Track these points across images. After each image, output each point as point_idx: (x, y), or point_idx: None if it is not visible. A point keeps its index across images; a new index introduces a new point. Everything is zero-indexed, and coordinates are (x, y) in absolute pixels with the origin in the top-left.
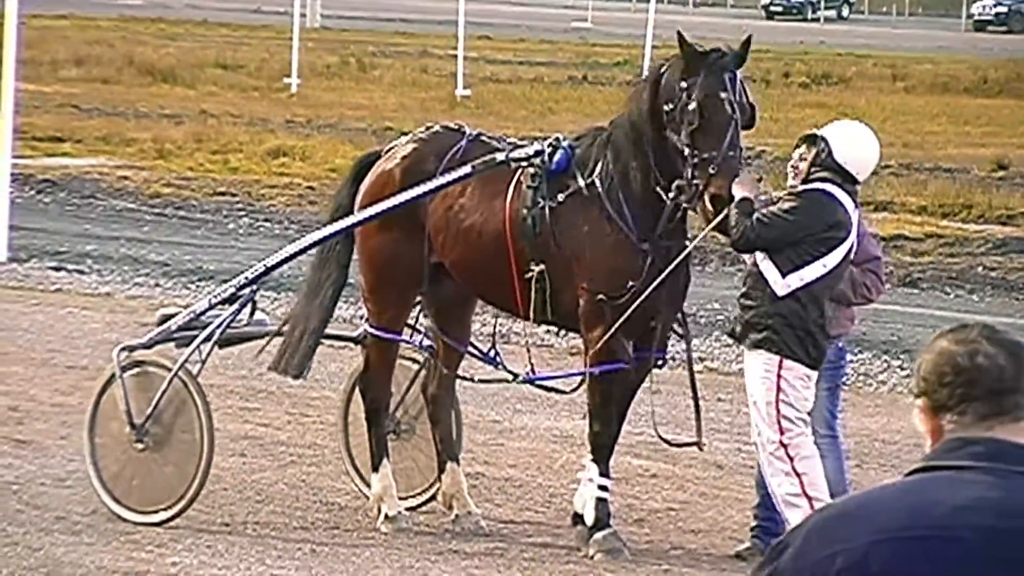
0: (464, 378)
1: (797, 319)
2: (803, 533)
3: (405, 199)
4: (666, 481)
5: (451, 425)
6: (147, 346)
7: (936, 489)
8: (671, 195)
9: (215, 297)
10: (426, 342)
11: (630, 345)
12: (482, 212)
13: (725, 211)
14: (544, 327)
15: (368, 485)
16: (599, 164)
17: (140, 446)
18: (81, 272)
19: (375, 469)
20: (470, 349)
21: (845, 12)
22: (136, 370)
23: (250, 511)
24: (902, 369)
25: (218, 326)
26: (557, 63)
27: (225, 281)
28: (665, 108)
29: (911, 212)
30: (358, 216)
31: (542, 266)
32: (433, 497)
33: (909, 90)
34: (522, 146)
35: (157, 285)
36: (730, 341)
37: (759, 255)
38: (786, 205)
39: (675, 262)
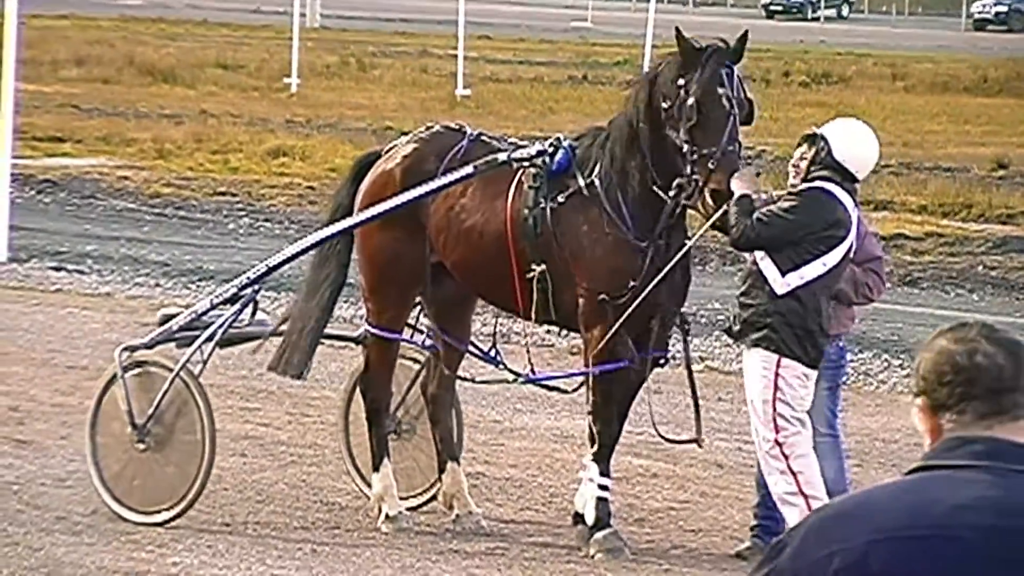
0: (465, 379)
1: (796, 318)
2: (801, 533)
3: (407, 199)
4: (667, 481)
5: (451, 425)
6: (149, 346)
7: (935, 488)
8: (672, 193)
9: (217, 297)
10: (428, 342)
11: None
12: (483, 212)
13: (724, 207)
14: (544, 327)
15: (369, 485)
16: (598, 164)
17: (142, 446)
18: (81, 272)
19: (376, 469)
20: (471, 349)
21: (845, 11)
22: (138, 370)
23: (251, 511)
24: (902, 368)
25: (220, 326)
26: (557, 63)
27: (225, 281)
28: (663, 106)
29: (911, 211)
30: (360, 216)
31: (543, 266)
32: (434, 497)
33: (909, 89)
34: (523, 146)
35: (157, 285)
36: (730, 340)
37: (759, 254)
38: (786, 204)
39: (674, 260)
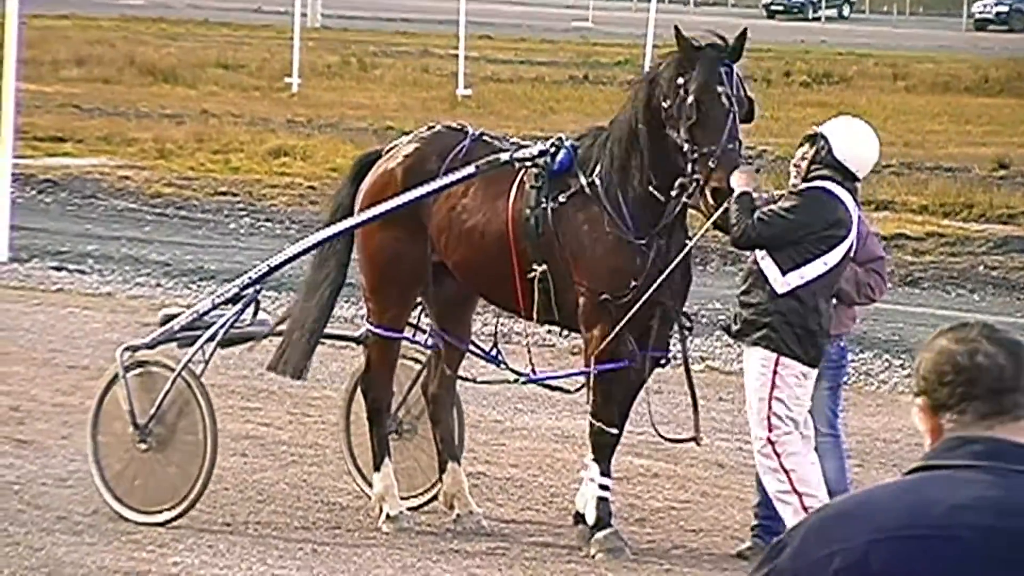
0: (466, 379)
1: (797, 317)
2: (801, 533)
3: (409, 199)
4: (667, 480)
5: (452, 425)
6: (150, 346)
7: (935, 488)
8: (674, 193)
9: (218, 297)
10: (429, 341)
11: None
12: (485, 212)
13: (724, 205)
14: (545, 327)
15: (370, 485)
16: (599, 163)
17: (143, 446)
18: (82, 272)
19: (377, 468)
20: (473, 349)
21: (846, 11)
22: (139, 370)
23: (251, 511)
24: (903, 368)
25: (221, 326)
26: (558, 62)
27: (226, 281)
28: (663, 105)
29: (912, 211)
30: (362, 216)
31: (544, 266)
32: (435, 497)
33: (910, 89)
34: (525, 146)
35: (158, 285)
36: (731, 340)
37: (759, 253)
38: (786, 203)
39: (676, 260)
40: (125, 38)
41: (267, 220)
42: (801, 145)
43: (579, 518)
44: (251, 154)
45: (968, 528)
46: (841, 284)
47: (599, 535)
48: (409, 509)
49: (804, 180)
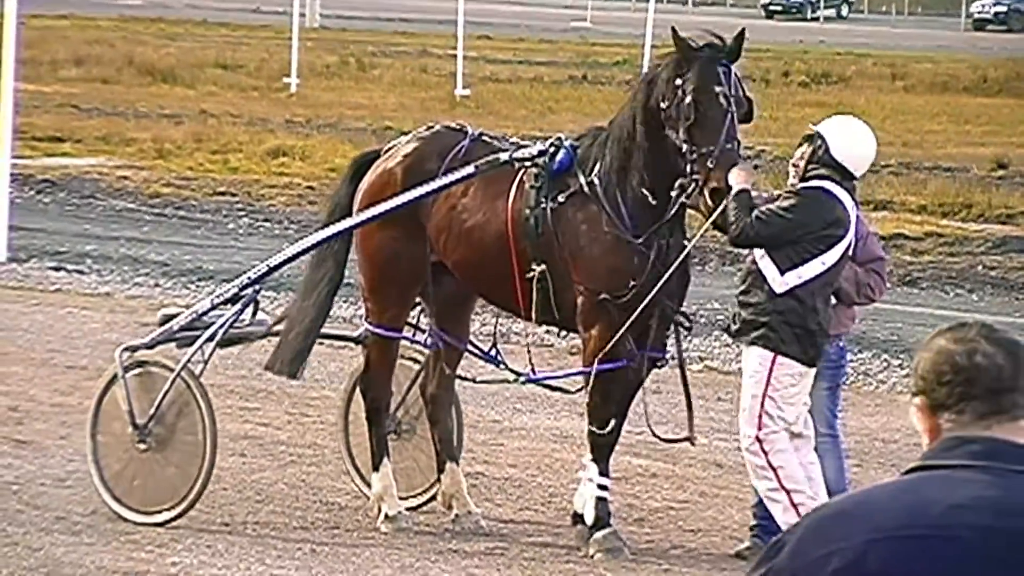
0: (465, 378)
1: (795, 317)
2: (799, 532)
3: (408, 199)
4: (666, 480)
5: (450, 425)
6: (149, 346)
7: (933, 488)
8: (674, 194)
9: (217, 297)
10: (428, 341)
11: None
12: (485, 212)
13: (723, 204)
14: (544, 327)
15: (368, 485)
16: (598, 163)
17: (143, 446)
18: (81, 272)
19: (376, 468)
20: (472, 349)
21: (844, 11)
22: (139, 370)
23: (250, 511)
24: (902, 368)
25: (221, 326)
26: (557, 63)
27: (225, 281)
28: (662, 106)
29: (911, 211)
30: (362, 216)
31: (543, 266)
32: (433, 497)
33: (909, 89)
34: (525, 146)
35: (157, 285)
36: (730, 340)
37: (758, 252)
38: (785, 203)
39: (676, 261)
40: (124, 38)
41: (266, 220)
42: (800, 145)
43: (577, 518)
44: (250, 154)
45: (967, 528)
46: (841, 284)
47: (598, 535)
48: (408, 509)
49: (802, 180)
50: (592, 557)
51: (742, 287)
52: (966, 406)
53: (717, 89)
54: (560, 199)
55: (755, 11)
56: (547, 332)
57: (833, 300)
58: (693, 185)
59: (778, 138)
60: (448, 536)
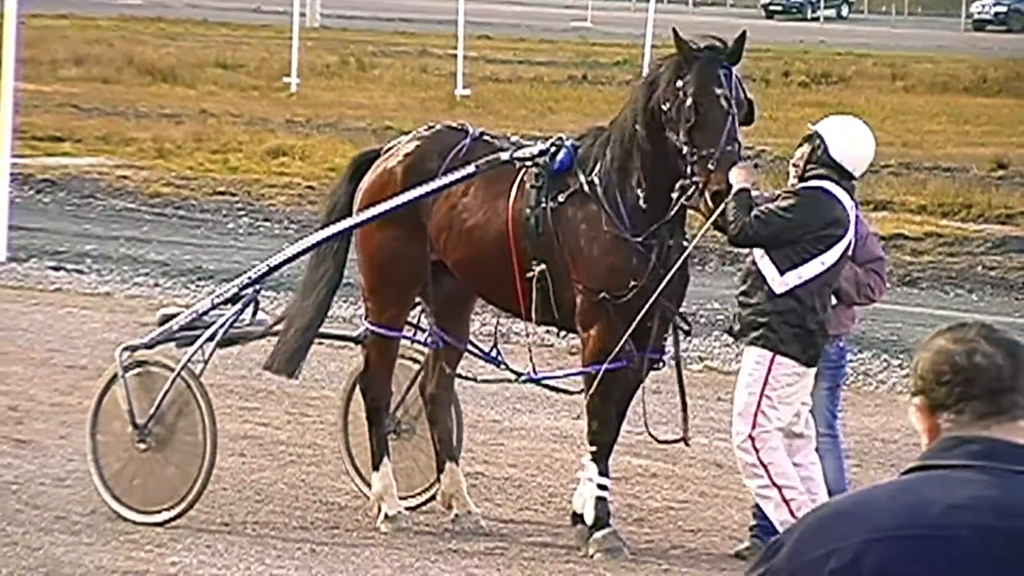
0: (466, 377)
1: (795, 317)
2: (798, 532)
3: (409, 198)
4: (666, 480)
5: (450, 425)
6: (149, 346)
7: (932, 488)
8: (674, 195)
9: (217, 297)
10: (429, 340)
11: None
12: (485, 212)
13: (723, 204)
14: (544, 327)
15: (368, 485)
16: (599, 163)
17: (143, 446)
18: (80, 272)
19: (376, 468)
20: (473, 349)
21: (844, 11)
22: (138, 370)
23: (249, 511)
24: (901, 368)
25: (221, 326)
26: (557, 62)
27: (225, 281)
28: (662, 108)
29: (910, 211)
30: (363, 215)
31: (543, 265)
32: (433, 497)
33: (908, 89)
34: (526, 146)
35: (156, 285)
36: (730, 340)
37: (757, 253)
38: (784, 203)
39: (678, 262)
40: (124, 38)
41: (266, 220)
42: (800, 145)
43: (577, 518)
44: (250, 154)
45: (966, 528)
46: (841, 284)
47: (597, 535)
48: (407, 509)
49: (801, 179)
50: (592, 557)
51: (742, 287)
52: (965, 406)
53: (718, 91)
54: (560, 199)
55: (755, 11)
56: (547, 332)
57: (833, 300)
58: (693, 187)
59: (778, 138)
60: (448, 536)
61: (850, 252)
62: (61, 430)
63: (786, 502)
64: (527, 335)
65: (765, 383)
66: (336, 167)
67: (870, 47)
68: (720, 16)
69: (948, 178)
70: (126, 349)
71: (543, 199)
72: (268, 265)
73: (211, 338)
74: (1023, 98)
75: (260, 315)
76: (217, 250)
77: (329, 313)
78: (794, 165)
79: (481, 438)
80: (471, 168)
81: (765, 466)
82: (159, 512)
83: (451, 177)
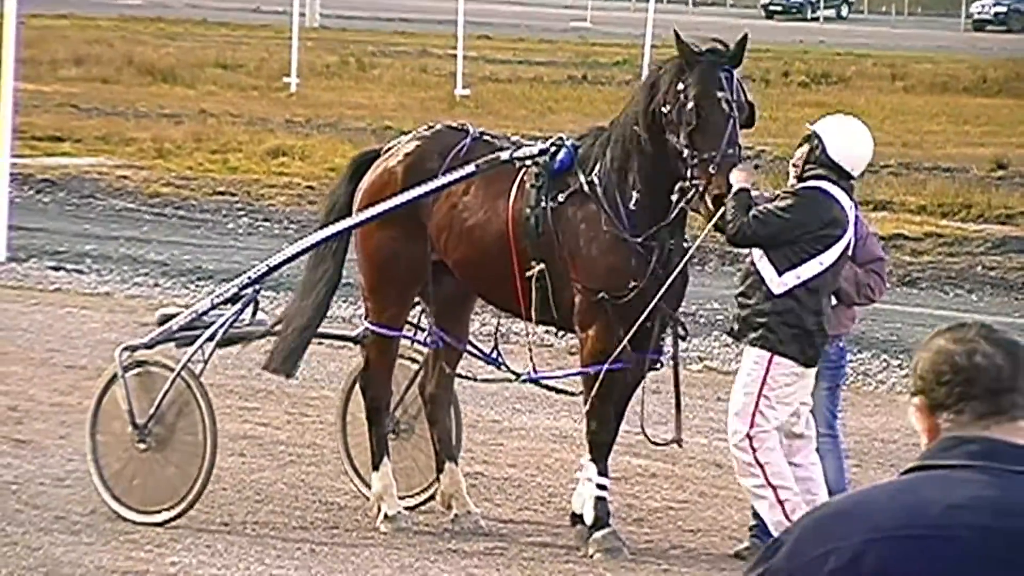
0: (466, 377)
1: (794, 317)
2: (797, 532)
3: (409, 197)
4: (665, 480)
5: (449, 425)
6: (149, 346)
7: (931, 488)
8: (674, 198)
9: (217, 297)
10: (428, 340)
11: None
12: (485, 211)
13: (723, 206)
14: (543, 327)
15: (367, 485)
16: (599, 163)
17: (143, 446)
18: (80, 272)
19: (375, 468)
20: (472, 350)
21: (844, 11)
22: (138, 370)
23: (249, 511)
24: (901, 368)
25: (221, 326)
26: (556, 63)
27: (225, 281)
28: (663, 111)
29: (910, 211)
30: (363, 215)
31: (542, 265)
32: (432, 497)
33: (908, 89)
34: (526, 145)
35: (156, 285)
36: (730, 340)
37: (756, 253)
38: (782, 203)
39: (679, 265)
40: (123, 38)
41: (265, 220)
42: (800, 145)
43: (577, 518)
44: (249, 154)
45: (966, 528)
46: (841, 284)
47: (597, 535)
48: (406, 508)
49: (799, 180)
50: (591, 557)
51: (741, 288)
52: (965, 406)
53: (719, 95)
54: (560, 198)
55: (755, 11)
56: (547, 332)
57: (833, 300)
58: (693, 190)
59: (778, 138)
60: (447, 536)
61: (849, 252)
62: (61, 430)
63: (780, 503)
64: (527, 335)
65: (763, 383)
66: (336, 167)
67: (870, 47)
68: (720, 16)
69: (948, 178)
70: (126, 349)
71: (543, 199)
72: (268, 265)
73: (211, 338)
74: (1023, 98)
75: (260, 315)
76: (217, 250)
77: (329, 313)
78: (794, 165)
79: (481, 438)
80: (471, 167)
81: (761, 466)
82: (159, 512)
83: (451, 177)
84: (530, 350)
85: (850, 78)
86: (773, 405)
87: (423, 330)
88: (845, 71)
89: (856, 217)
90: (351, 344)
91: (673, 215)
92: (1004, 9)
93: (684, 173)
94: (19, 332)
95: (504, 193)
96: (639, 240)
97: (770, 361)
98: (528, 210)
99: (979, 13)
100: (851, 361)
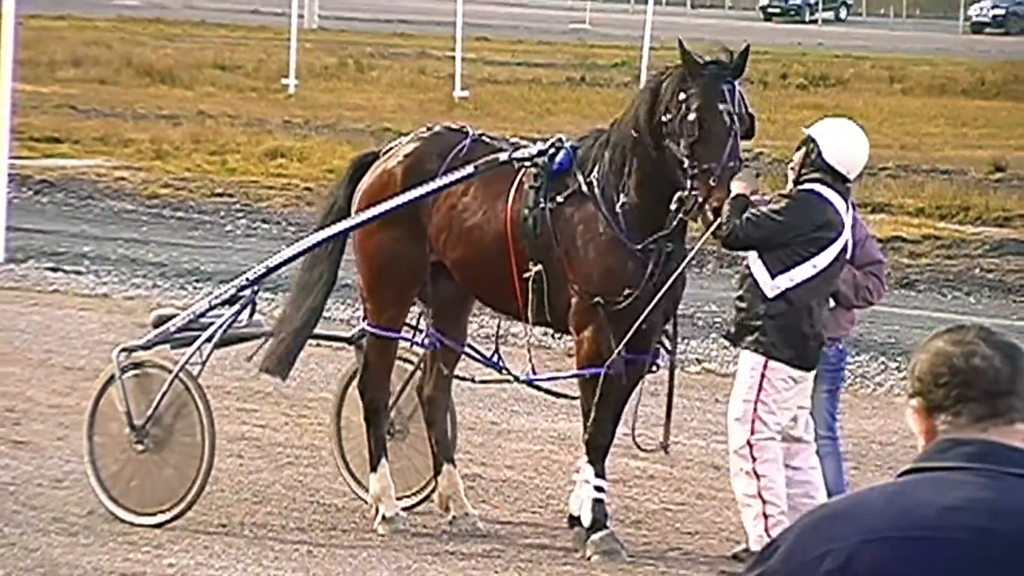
0: (463, 379)
1: (787, 321)
2: (794, 533)
3: (408, 198)
4: (663, 482)
5: (447, 426)
6: (146, 347)
7: (926, 490)
8: (673, 207)
9: (215, 299)
10: (427, 342)
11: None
12: (484, 212)
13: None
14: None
15: (361, 486)
16: (597, 164)
17: (140, 447)
18: (78, 273)
19: (373, 469)
20: (472, 353)
21: (843, 14)
22: (136, 371)
23: (247, 512)
24: (899, 371)
25: (219, 327)
26: (555, 64)
27: (223, 282)
28: (665, 119)
29: (908, 214)
30: (362, 216)
31: (540, 266)
32: (427, 497)
33: (906, 92)
34: (525, 146)
35: (155, 286)
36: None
37: (751, 256)
38: (775, 206)
39: (677, 270)
40: (122, 39)
41: (264, 221)
42: (799, 148)
43: (574, 520)
44: (248, 155)
45: (963, 530)
46: (839, 287)
47: (595, 537)
48: (402, 509)
49: (795, 183)
50: (589, 559)
51: (739, 292)
52: (963, 408)
53: (721, 107)
54: (559, 199)
55: (753, 13)
56: (544, 334)
57: (832, 303)
58: (692, 201)
59: (776, 140)
60: (445, 538)
61: (846, 255)
62: (59, 431)
63: (764, 517)
64: (526, 337)
65: (760, 389)
66: (334, 168)
67: (868, 49)
68: (718, 18)
69: (946, 180)
70: (123, 350)
71: (541, 199)
72: (266, 266)
73: (209, 339)
74: (1021, 101)
75: (257, 316)
76: (215, 251)
77: (327, 315)
78: (792, 168)
79: (479, 440)
80: (470, 169)
81: (758, 476)
82: (156, 513)
83: (450, 178)
84: (529, 352)
85: (848, 80)
86: (772, 410)
87: (420, 331)
88: (843, 73)
89: (855, 219)
90: (347, 345)
91: (672, 225)
92: (1002, 12)
93: (684, 183)
94: (17, 333)
95: (503, 194)
96: (638, 247)
97: (765, 366)
98: (526, 211)
99: (977, 15)
100: (849, 363)
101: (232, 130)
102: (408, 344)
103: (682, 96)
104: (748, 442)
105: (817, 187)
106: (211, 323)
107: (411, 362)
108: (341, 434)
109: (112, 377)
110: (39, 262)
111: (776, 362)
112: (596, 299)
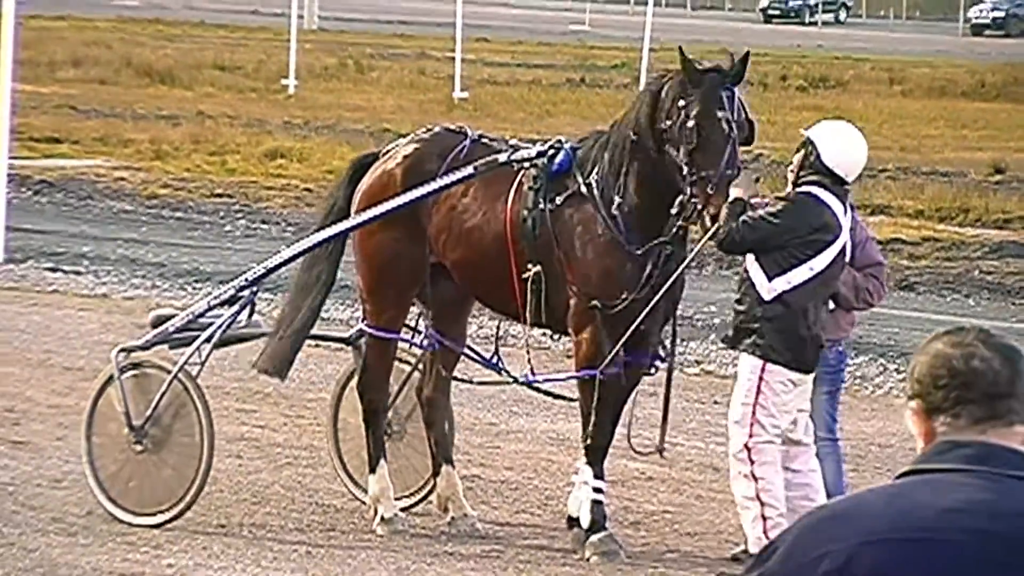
0: (462, 380)
1: (784, 323)
2: (792, 536)
3: (408, 199)
4: (662, 484)
5: (446, 427)
6: (145, 347)
7: (925, 492)
8: (673, 211)
9: (214, 299)
10: (426, 342)
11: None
12: (484, 213)
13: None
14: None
15: (359, 488)
16: (597, 166)
17: (139, 448)
18: (78, 273)
19: (372, 470)
20: (472, 355)
21: (842, 16)
22: (135, 372)
23: (246, 513)
24: (898, 373)
25: (218, 328)
26: (555, 65)
27: (222, 283)
28: (664, 125)
29: (908, 216)
30: (362, 217)
31: (538, 267)
32: (425, 498)
33: (906, 94)
34: (525, 147)
35: (154, 286)
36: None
37: (748, 259)
38: (772, 208)
39: (676, 273)
40: (121, 39)
41: (263, 222)
42: (797, 152)
43: (573, 521)
44: (247, 156)
45: (962, 531)
46: (840, 289)
47: (594, 538)
48: (400, 509)
49: (794, 185)
50: (588, 560)
51: (738, 295)
52: (962, 410)
53: (720, 115)
54: (558, 200)
55: (753, 15)
56: (544, 335)
57: (832, 305)
58: (691, 207)
59: (775, 142)
60: (444, 539)
61: (844, 258)
62: (58, 431)
63: (763, 519)
64: (526, 337)
65: (758, 392)
66: (334, 169)
67: (868, 51)
68: (718, 20)
69: (945, 182)
70: (122, 351)
71: (541, 200)
72: (265, 267)
73: (208, 340)
74: (1021, 103)
75: (256, 317)
76: (214, 252)
77: (326, 316)
78: (791, 171)
79: (478, 441)
80: (469, 169)
81: (756, 480)
82: (155, 514)
83: (449, 178)
84: (528, 353)
85: (848, 82)
86: (771, 413)
87: (419, 332)
88: (843, 75)
89: (855, 221)
90: (345, 345)
91: (672, 231)
92: (1002, 14)
93: (682, 188)
94: (16, 333)
95: (502, 195)
96: (637, 249)
97: (763, 369)
98: (526, 212)
99: (977, 17)
100: (849, 365)
101: (232, 131)
102: (406, 345)
103: (681, 103)
104: (746, 445)
105: (814, 190)
106: (210, 323)
107: (408, 363)
108: (338, 436)
109: (111, 377)
110: (38, 262)
111: (774, 365)
112: (594, 301)
